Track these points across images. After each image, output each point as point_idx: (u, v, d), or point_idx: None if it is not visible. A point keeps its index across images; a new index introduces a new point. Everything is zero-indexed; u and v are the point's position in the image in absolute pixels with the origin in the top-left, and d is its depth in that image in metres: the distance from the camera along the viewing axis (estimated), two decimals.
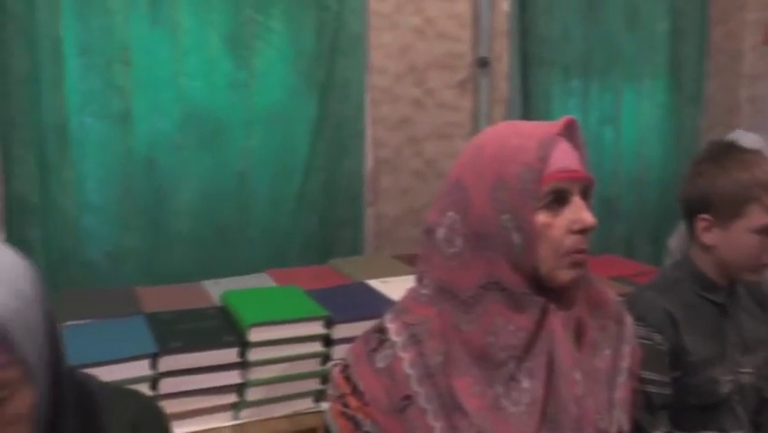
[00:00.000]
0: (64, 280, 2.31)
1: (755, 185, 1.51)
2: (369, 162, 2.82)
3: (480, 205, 1.06)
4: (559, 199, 1.06)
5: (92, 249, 2.45)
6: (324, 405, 1.69)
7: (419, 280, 1.16)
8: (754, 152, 1.58)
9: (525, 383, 1.06)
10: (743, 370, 1.59)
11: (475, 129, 2.99)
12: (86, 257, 2.42)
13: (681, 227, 2.19)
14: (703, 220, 1.57)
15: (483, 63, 3.00)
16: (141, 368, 1.60)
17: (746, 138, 2.54)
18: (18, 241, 2.30)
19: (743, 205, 1.51)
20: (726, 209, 1.53)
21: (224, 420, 1.69)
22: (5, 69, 2.26)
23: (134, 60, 2.39)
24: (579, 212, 1.07)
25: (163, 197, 2.51)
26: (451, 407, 1.06)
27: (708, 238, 1.57)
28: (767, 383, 1.63)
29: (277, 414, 1.72)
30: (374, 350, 1.13)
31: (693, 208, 1.59)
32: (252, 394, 1.69)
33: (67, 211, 2.39)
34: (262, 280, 2.16)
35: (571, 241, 1.07)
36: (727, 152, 1.58)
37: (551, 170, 1.05)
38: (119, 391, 1.12)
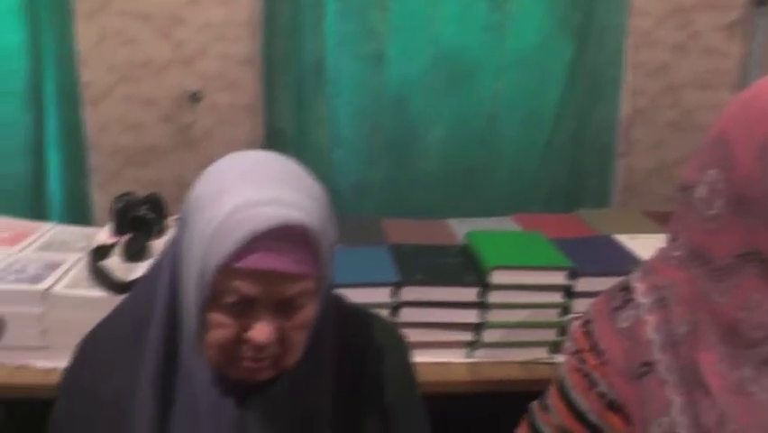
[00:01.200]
0: None
1: None
2: (624, 111, 2.69)
3: (747, 164, 0.93)
4: None
5: (341, 180, 2.59)
6: (559, 357, 1.68)
7: (671, 241, 1.09)
8: None
9: None
10: None
11: (744, 79, 2.72)
12: (336, 188, 2.56)
13: None
14: None
15: (761, 2, 2.70)
16: (382, 295, 1.68)
17: None
18: None
19: None
20: None
21: (458, 357, 1.73)
22: (272, 15, 2.41)
23: (391, 6, 2.45)
24: None
25: (411, 135, 2.58)
26: (693, 382, 0.99)
27: None
28: None
29: (511, 359, 1.73)
30: (618, 308, 1.08)
31: None
32: (489, 336, 1.71)
33: (320, 144, 2.54)
34: (507, 225, 2.16)
35: None
36: None
37: None
38: (368, 313, 1.17)
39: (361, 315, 1.13)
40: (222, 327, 0.88)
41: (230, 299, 0.86)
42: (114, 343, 1.02)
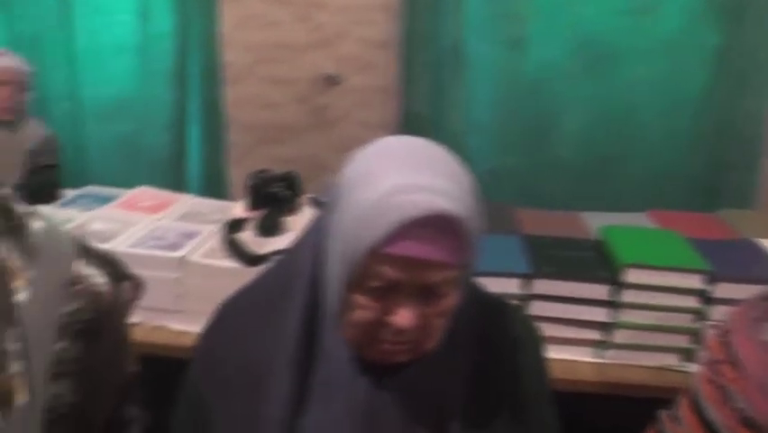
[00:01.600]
0: None
1: None
2: None
3: None
4: None
5: (475, 165, 2.56)
6: (692, 366, 1.63)
7: None
8: None
9: None
10: None
11: None
12: (470, 173, 2.55)
13: None
14: None
15: None
16: (511, 286, 1.67)
17: None
18: None
19: None
20: None
21: (585, 355, 1.70)
22: None
23: None
24: None
25: (548, 122, 2.54)
26: None
27: None
28: None
29: (640, 363, 1.68)
30: (760, 319, 1.04)
31: None
32: (619, 336, 1.67)
33: (455, 128, 2.54)
34: (642, 221, 2.09)
35: None
36: None
37: None
38: (505, 303, 1.17)
39: (499, 305, 1.13)
40: (364, 309, 0.89)
41: (375, 282, 0.86)
42: (251, 313, 1.05)
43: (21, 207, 0.94)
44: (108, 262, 1.05)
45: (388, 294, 0.87)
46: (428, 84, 2.55)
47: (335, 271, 0.90)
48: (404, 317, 0.87)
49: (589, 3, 2.46)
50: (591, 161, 2.59)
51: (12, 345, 0.89)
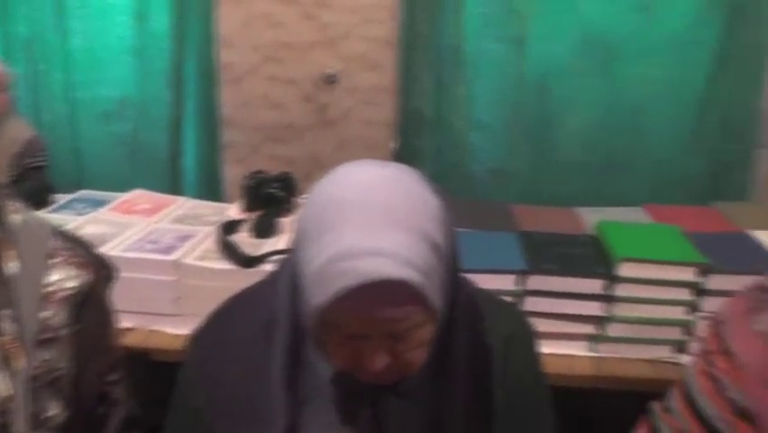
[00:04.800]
0: (448, 190, 2.46)
1: None
2: None
3: None
4: None
5: (477, 164, 2.58)
6: (684, 358, 1.63)
7: None
8: None
9: None
10: None
11: None
12: (471, 172, 2.56)
13: None
14: None
15: None
16: (507, 282, 1.67)
17: None
18: (409, 150, 2.50)
19: None
20: None
21: (581, 349, 1.70)
22: None
23: None
24: None
25: (552, 121, 2.54)
26: None
27: None
28: None
29: (635, 356, 1.69)
30: (753, 310, 1.04)
31: None
32: (614, 330, 1.68)
33: (457, 127, 2.54)
34: (638, 215, 2.10)
35: None
36: None
37: None
38: (499, 301, 1.17)
39: (493, 304, 1.12)
40: (338, 353, 0.88)
41: (338, 332, 0.86)
42: (242, 327, 1.04)
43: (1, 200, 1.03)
44: (81, 243, 1.13)
45: (358, 341, 0.86)
46: (430, 82, 2.55)
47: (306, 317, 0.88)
48: (373, 362, 0.87)
49: (592, 1, 2.46)
50: (595, 160, 2.59)
51: (5, 311, 0.98)
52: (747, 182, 2.67)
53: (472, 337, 1.01)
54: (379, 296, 0.80)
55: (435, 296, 0.85)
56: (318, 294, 0.81)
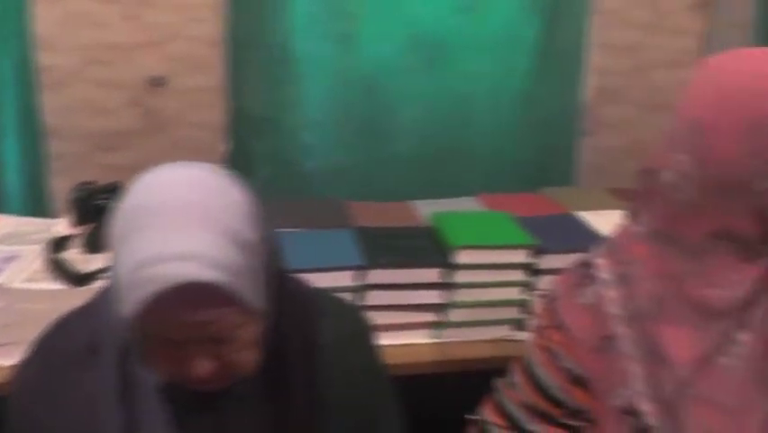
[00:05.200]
0: (284, 190, 2.44)
1: None
2: (589, 91, 2.70)
3: (725, 150, 0.94)
4: None
5: (312, 163, 2.56)
6: (523, 335, 1.69)
7: (633, 218, 1.10)
8: None
9: (742, 336, 0.99)
10: None
11: (705, 57, 2.73)
12: (307, 171, 2.54)
13: None
14: None
15: None
16: (345, 279, 1.66)
17: None
18: (242, 152, 2.45)
19: None
20: None
21: (424, 337, 1.72)
22: None
23: None
24: None
25: (384, 118, 2.56)
26: (654, 355, 1.00)
27: None
28: None
29: (476, 338, 1.73)
30: (580, 285, 1.09)
31: None
32: (455, 315, 1.71)
33: (289, 126, 2.51)
34: (472, 205, 2.15)
35: None
36: None
37: None
38: (333, 300, 1.16)
39: (327, 303, 1.11)
40: (161, 357, 0.85)
41: (156, 340, 0.83)
42: (67, 353, 0.99)
43: None
44: None
45: (178, 348, 0.83)
46: (260, 82, 2.51)
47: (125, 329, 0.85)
48: (198, 367, 0.84)
49: (419, 2, 2.50)
50: (428, 154, 2.63)
51: None
52: (572, 168, 2.80)
53: (306, 338, 1.00)
54: (188, 300, 0.78)
55: (251, 295, 0.83)
56: (128, 302, 0.79)
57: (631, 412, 1.02)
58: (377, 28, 2.49)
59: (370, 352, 1.13)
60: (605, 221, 1.88)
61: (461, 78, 2.59)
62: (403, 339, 1.70)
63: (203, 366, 0.83)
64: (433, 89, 2.58)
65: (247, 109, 2.50)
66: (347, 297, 1.62)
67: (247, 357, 0.88)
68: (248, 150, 2.46)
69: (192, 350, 0.83)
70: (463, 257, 1.69)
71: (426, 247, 1.76)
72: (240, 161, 2.45)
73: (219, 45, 2.54)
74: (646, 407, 1.01)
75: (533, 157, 2.74)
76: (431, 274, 1.69)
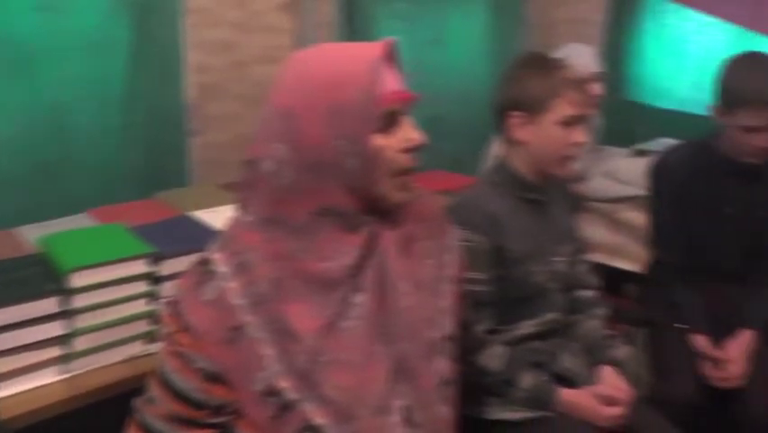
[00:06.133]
0: None
1: (560, 82, 1.65)
2: (191, 89, 2.71)
3: (314, 134, 1.04)
4: (391, 121, 1.07)
5: None
6: (157, 346, 1.64)
7: (243, 208, 1.14)
8: (559, 58, 1.75)
9: (358, 299, 1.09)
10: (557, 259, 1.77)
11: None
12: None
13: (498, 138, 2.24)
14: (516, 117, 1.68)
15: None
16: None
17: (579, 51, 2.65)
18: None
19: (549, 100, 1.64)
20: (536, 105, 1.65)
21: (53, 375, 1.59)
22: None
23: None
24: (410, 132, 1.09)
25: None
26: (283, 333, 1.07)
27: (521, 134, 1.69)
28: (575, 269, 1.84)
29: (108, 362, 1.64)
30: (200, 283, 1.10)
31: (506, 108, 1.70)
32: (80, 344, 1.60)
33: None
34: (84, 222, 2.04)
35: (403, 159, 1.09)
36: (535, 59, 1.74)
37: (383, 93, 1.05)
38: None
39: None
40: None
41: None
42: None
43: None
44: None
45: None
46: None
47: None
48: None
49: None
50: (27, 172, 2.42)
51: None
52: (185, 168, 2.79)
53: None
54: None
55: None
56: None
57: (272, 393, 1.07)
58: None
59: None
60: (219, 217, 1.91)
61: (54, 85, 2.43)
62: (29, 383, 1.55)
63: None
64: (25, 99, 2.38)
65: None
66: None
67: None
68: None
69: None
70: (79, 279, 1.59)
71: (38, 276, 1.62)
72: None
73: None
74: (285, 383, 1.07)
75: (143, 161, 2.68)
76: (47, 305, 1.56)
